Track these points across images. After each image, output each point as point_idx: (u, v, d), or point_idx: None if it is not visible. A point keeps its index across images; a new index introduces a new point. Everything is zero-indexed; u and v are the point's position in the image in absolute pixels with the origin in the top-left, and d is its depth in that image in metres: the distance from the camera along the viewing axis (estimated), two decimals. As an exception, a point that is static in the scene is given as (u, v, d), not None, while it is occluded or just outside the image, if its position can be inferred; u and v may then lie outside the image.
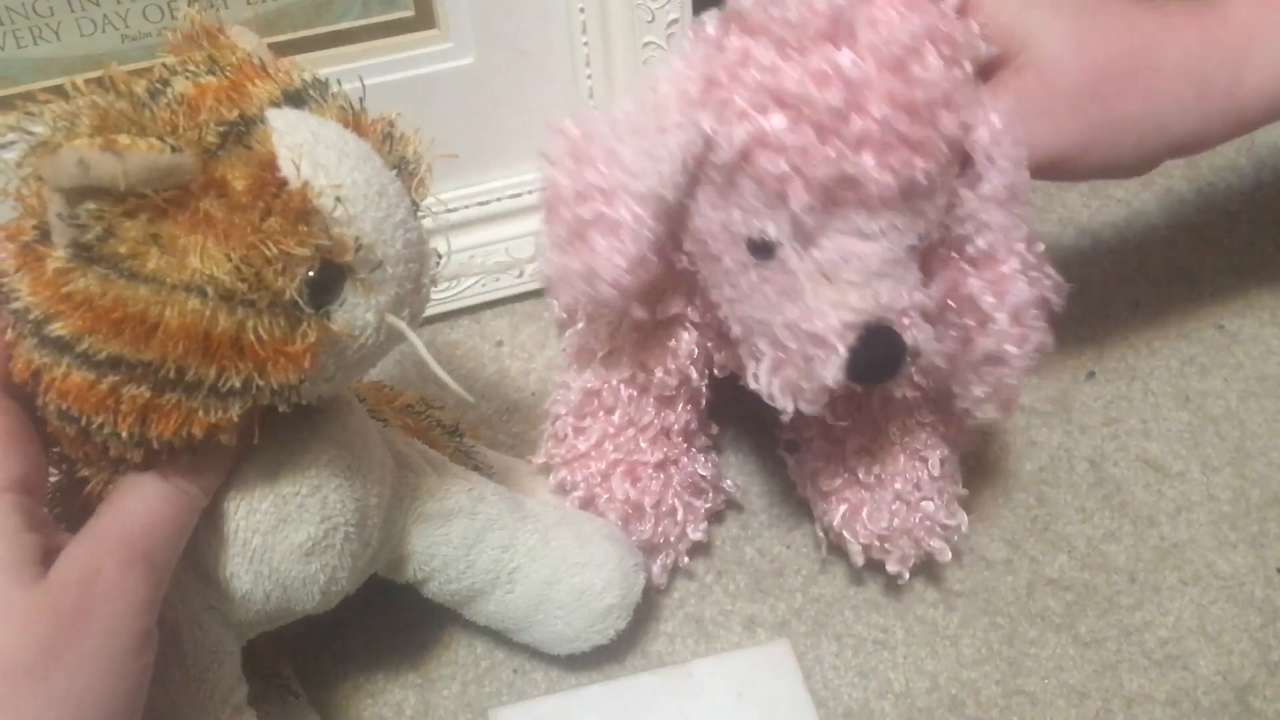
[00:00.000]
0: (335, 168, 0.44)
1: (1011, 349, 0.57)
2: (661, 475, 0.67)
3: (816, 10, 0.50)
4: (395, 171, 0.48)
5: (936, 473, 0.65)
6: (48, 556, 0.44)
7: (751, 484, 0.74)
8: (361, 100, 0.49)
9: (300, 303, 0.43)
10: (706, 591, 0.70)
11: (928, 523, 0.66)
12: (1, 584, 0.42)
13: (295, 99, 0.46)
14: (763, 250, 0.53)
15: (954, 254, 0.57)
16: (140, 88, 0.44)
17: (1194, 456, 0.76)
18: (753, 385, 0.57)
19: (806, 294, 0.53)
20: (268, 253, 0.42)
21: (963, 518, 0.67)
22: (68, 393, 0.43)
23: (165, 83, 0.44)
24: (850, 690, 0.66)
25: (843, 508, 0.66)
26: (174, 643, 0.50)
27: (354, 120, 0.48)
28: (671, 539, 0.68)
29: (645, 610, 0.67)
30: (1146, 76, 0.61)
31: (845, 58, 0.49)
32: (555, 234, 0.57)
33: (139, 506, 0.46)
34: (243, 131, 0.43)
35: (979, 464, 0.73)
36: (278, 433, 0.50)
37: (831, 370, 0.53)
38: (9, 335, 0.44)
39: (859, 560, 0.67)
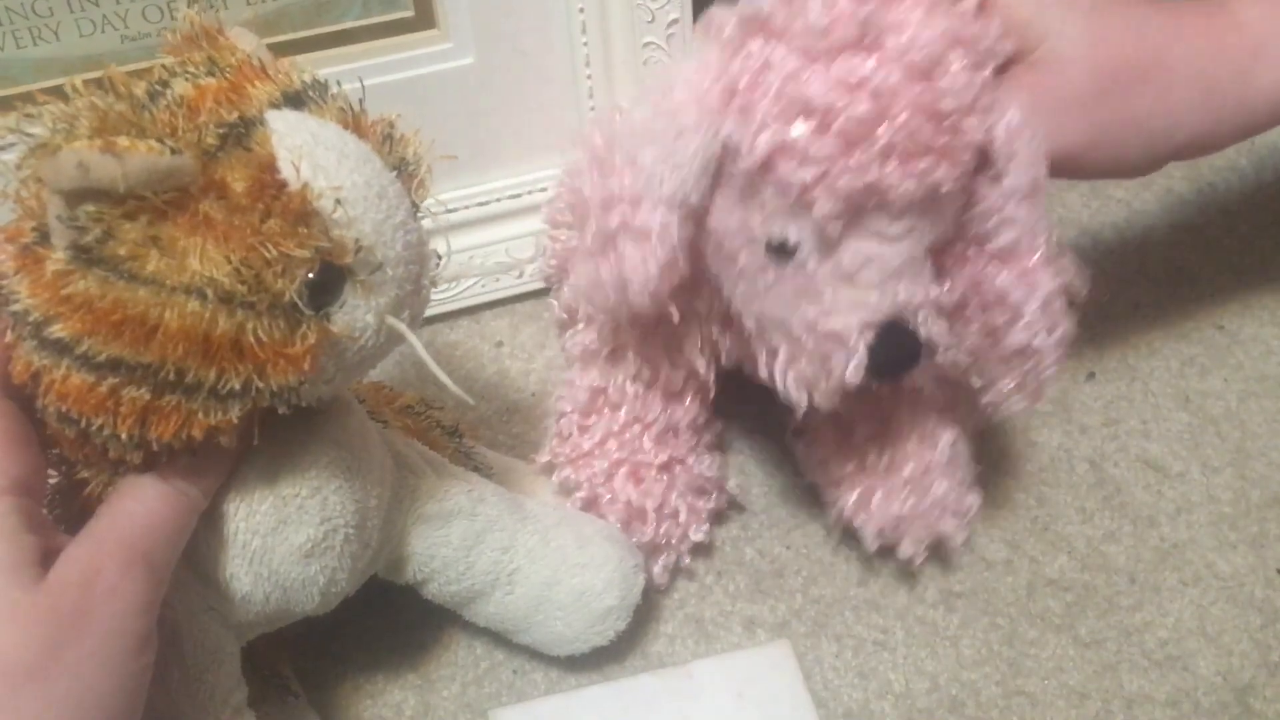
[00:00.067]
0: (335, 169, 0.44)
1: (1044, 340, 0.57)
2: (665, 476, 0.68)
3: (841, 16, 0.49)
4: (395, 173, 0.48)
5: (946, 456, 0.65)
6: (47, 558, 0.44)
7: (751, 484, 0.74)
8: (361, 101, 0.49)
9: (300, 305, 0.43)
10: (706, 592, 0.69)
11: (939, 507, 0.66)
12: (1, 585, 0.42)
13: (295, 100, 0.46)
14: (781, 252, 0.53)
15: (975, 250, 0.57)
16: (140, 89, 0.44)
17: (1194, 457, 0.76)
18: (767, 380, 0.58)
19: (825, 295, 0.53)
20: (267, 255, 0.42)
21: (975, 500, 0.67)
22: (67, 395, 0.43)
23: (165, 84, 0.44)
24: (850, 691, 0.65)
25: (854, 494, 0.66)
26: (174, 644, 0.50)
27: (354, 122, 0.48)
28: (674, 540, 0.68)
29: (645, 611, 0.67)
30: (1157, 78, 0.62)
31: (871, 66, 0.48)
32: (584, 244, 0.58)
33: (138, 508, 0.46)
34: (242, 133, 0.43)
35: (979, 464, 0.73)
36: (277, 434, 0.50)
37: (851, 369, 0.53)
38: (8, 337, 0.44)
39: (872, 546, 0.67)
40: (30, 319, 0.42)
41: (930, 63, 0.49)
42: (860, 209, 0.50)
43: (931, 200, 0.51)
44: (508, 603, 0.62)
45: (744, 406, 0.66)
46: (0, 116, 0.42)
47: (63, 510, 0.51)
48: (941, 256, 0.57)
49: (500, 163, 0.83)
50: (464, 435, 0.70)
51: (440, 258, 0.52)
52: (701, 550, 0.70)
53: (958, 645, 0.67)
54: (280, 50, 0.57)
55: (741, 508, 0.73)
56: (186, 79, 0.45)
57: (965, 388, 0.62)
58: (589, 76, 0.81)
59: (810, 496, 0.72)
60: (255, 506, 0.50)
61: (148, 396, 0.43)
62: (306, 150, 0.44)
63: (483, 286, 0.83)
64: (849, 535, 0.69)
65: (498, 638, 0.66)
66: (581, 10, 0.78)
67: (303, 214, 0.43)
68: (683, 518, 0.68)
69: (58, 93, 0.43)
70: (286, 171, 0.43)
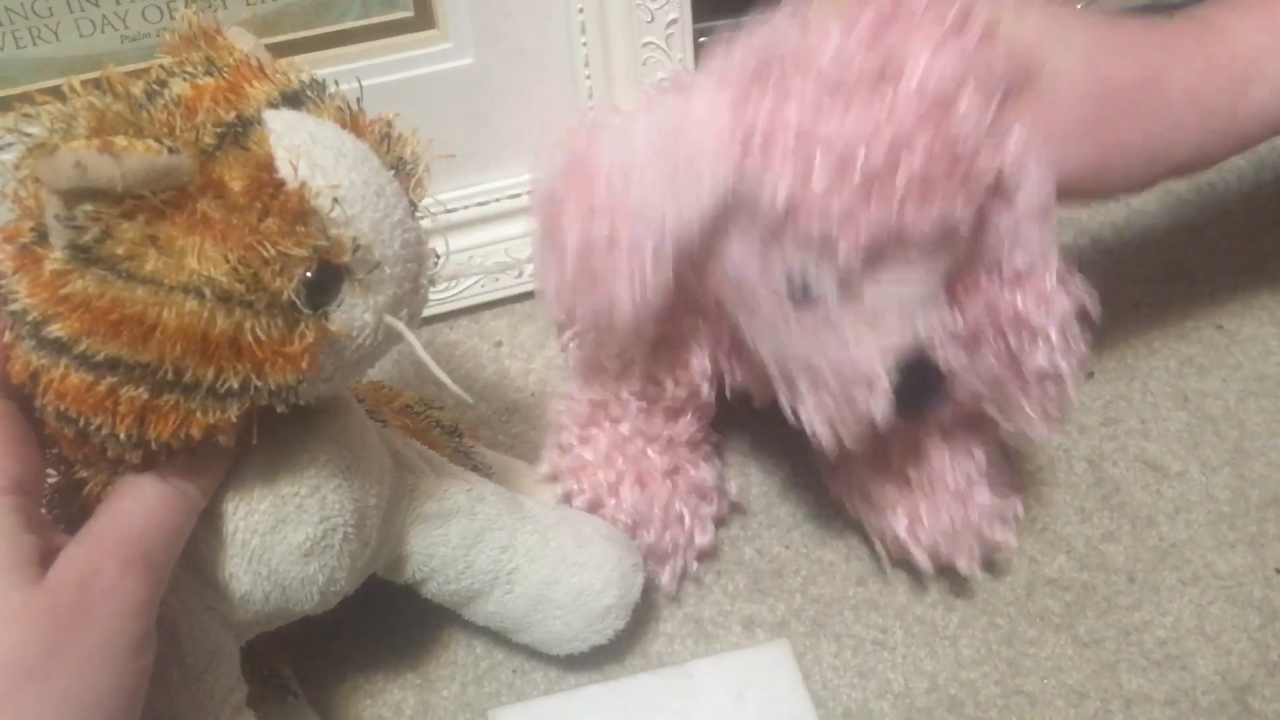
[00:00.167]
0: (333, 168, 0.44)
1: (1064, 363, 0.57)
2: (669, 483, 0.68)
3: (854, 60, 0.49)
4: (393, 172, 0.48)
5: (984, 464, 0.66)
6: (46, 558, 0.44)
7: (750, 485, 0.74)
8: (359, 100, 0.49)
9: (298, 303, 0.43)
10: (706, 592, 0.70)
11: (987, 514, 0.66)
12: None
13: (293, 100, 0.46)
14: (803, 296, 0.53)
15: (987, 276, 0.56)
16: (137, 89, 0.44)
17: (1193, 456, 0.76)
18: (793, 420, 0.58)
19: (848, 334, 0.53)
20: (265, 254, 0.42)
21: (1018, 502, 0.67)
22: (66, 394, 0.43)
23: (162, 84, 0.44)
24: (849, 690, 0.66)
25: (903, 516, 0.66)
26: (173, 643, 0.50)
27: (351, 121, 0.48)
28: (680, 544, 0.68)
29: (644, 611, 0.67)
30: (1154, 99, 0.62)
31: (887, 108, 0.48)
32: (558, 257, 0.56)
33: (137, 508, 0.46)
34: (240, 133, 0.43)
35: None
36: (276, 433, 0.50)
37: (879, 407, 0.53)
38: (7, 337, 0.44)
39: (928, 567, 0.67)
40: (29, 318, 0.42)
41: (945, 98, 0.49)
42: (881, 251, 0.50)
43: (949, 235, 0.51)
44: (507, 602, 0.62)
45: (742, 407, 0.66)
46: (-1, 117, 0.42)
47: (61, 510, 0.51)
48: (953, 285, 0.57)
49: (500, 163, 0.83)
50: (463, 435, 0.70)
51: (439, 257, 0.52)
52: (706, 552, 0.70)
53: (957, 645, 0.67)
54: (280, 50, 0.57)
55: (741, 507, 0.73)
56: (184, 79, 0.45)
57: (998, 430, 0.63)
58: (588, 77, 0.81)
59: (810, 496, 0.72)
60: (254, 505, 0.50)
61: (146, 396, 0.43)
62: (304, 149, 0.44)
63: (482, 286, 0.83)
64: (900, 560, 0.69)
65: (497, 637, 0.66)
66: (581, 10, 0.78)
67: (300, 213, 0.43)
68: (688, 523, 0.68)
69: (56, 93, 0.43)
70: (284, 170, 0.43)
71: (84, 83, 0.43)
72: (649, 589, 0.66)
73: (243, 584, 0.51)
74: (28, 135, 0.41)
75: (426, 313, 0.76)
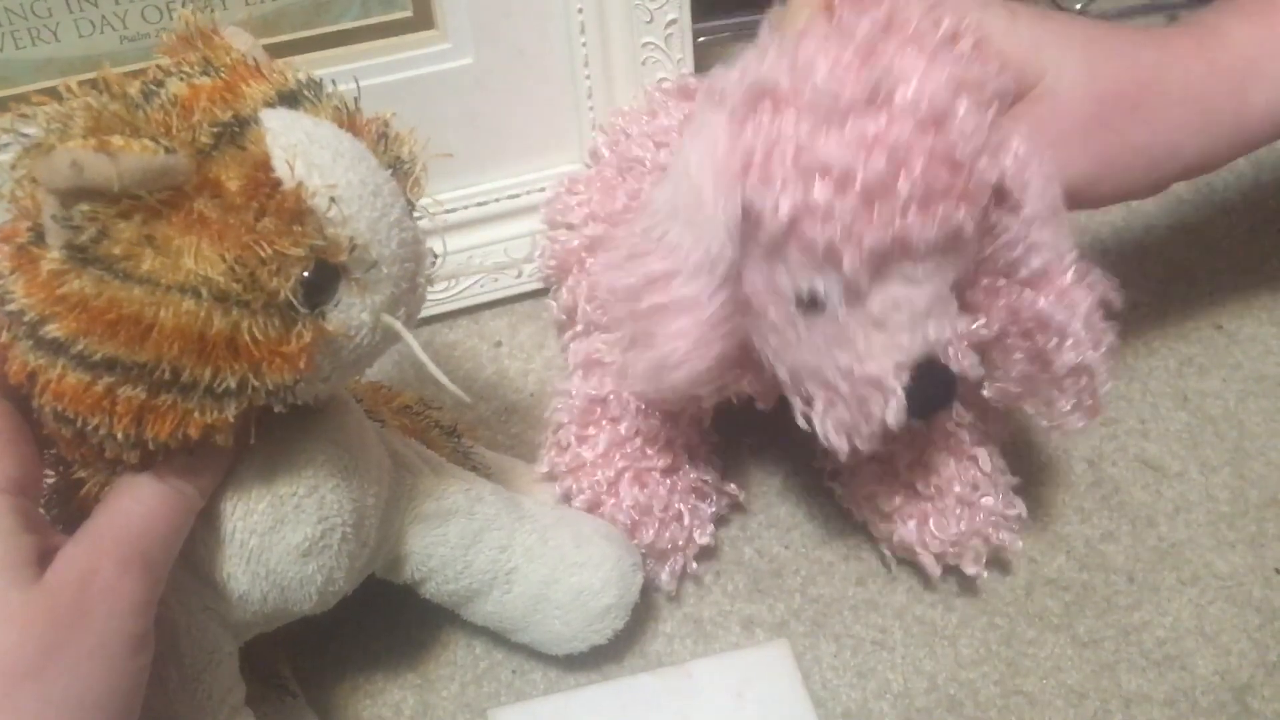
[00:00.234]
0: (329, 168, 0.44)
1: (1093, 355, 0.57)
2: (668, 481, 0.68)
3: (849, 77, 0.49)
4: (390, 171, 0.48)
5: (988, 468, 0.66)
6: (44, 558, 0.44)
7: (750, 485, 0.74)
8: (356, 100, 0.49)
9: (295, 303, 0.44)
10: (705, 592, 0.69)
11: (993, 518, 0.66)
12: (-2, 586, 0.42)
13: (290, 99, 0.46)
14: (811, 305, 0.53)
15: (1005, 281, 0.57)
16: (134, 89, 0.44)
17: (1192, 456, 0.76)
18: (805, 427, 0.58)
19: (858, 342, 0.53)
20: (262, 253, 0.42)
21: (1021, 505, 0.68)
22: (63, 394, 0.43)
23: (159, 84, 0.44)
24: (849, 690, 0.65)
25: (911, 523, 0.66)
26: (171, 644, 0.50)
27: (349, 120, 0.48)
28: (680, 543, 0.68)
29: (644, 611, 0.67)
30: (1154, 104, 0.63)
31: (882, 121, 0.49)
32: (619, 335, 0.59)
33: (135, 507, 0.46)
34: (236, 132, 0.43)
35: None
36: (274, 433, 0.50)
37: (892, 413, 0.53)
38: (4, 337, 0.44)
39: (935, 571, 0.67)
40: (26, 319, 0.42)
41: (940, 112, 0.49)
42: (886, 258, 0.51)
43: (953, 241, 0.52)
44: (506, 601, 0.62)
45: (744, 408, 0.66)
46: (-3, 117, 0.42)
47: (60, 510, 0.51)
48: (973, 292, 0.57)
49: (499, 163, 0.84)
50: (462, 435, 0.70)
51: (436, 256, 0.52)
52: (705, 551, 0.70)
53: (956, 645, 0.67)
54: (279, 51, 0.57)
55: (740, 507, 0.73)
56: (181, 78, 0.45)
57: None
58: (588, 77, 0.81)
59: (809, 496, 0.72)
60: (252, 505, 0.50)
61: (143, 396, 0.43)
62: (301, 149, 0.44)
63: (481, 286, 0.83)
64: (905, 562, 0.70)
65: (496, 637, 0.66)
66: (580, 11, 0.79)
67: (297, 212, 0.43)
68: (686, 521, 0.68)
69: (54, 94, 0.43)
70: (281, 170, 0.43)
71: (80, 83, 0.43)
72: (648, 589, 0.66)
73: (241, 584, 0.52)
74: (24, 135, 0.41)
75: (426, 313, 0.76)
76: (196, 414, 0.44)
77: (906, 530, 0.66)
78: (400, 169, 0.49)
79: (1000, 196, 0.54)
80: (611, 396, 0.67)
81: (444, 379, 0.50)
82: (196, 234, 0.41)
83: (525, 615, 0.62)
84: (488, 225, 0.84)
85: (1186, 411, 0.78)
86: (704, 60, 0.81)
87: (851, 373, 0.54)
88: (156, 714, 0.49)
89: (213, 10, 0.70)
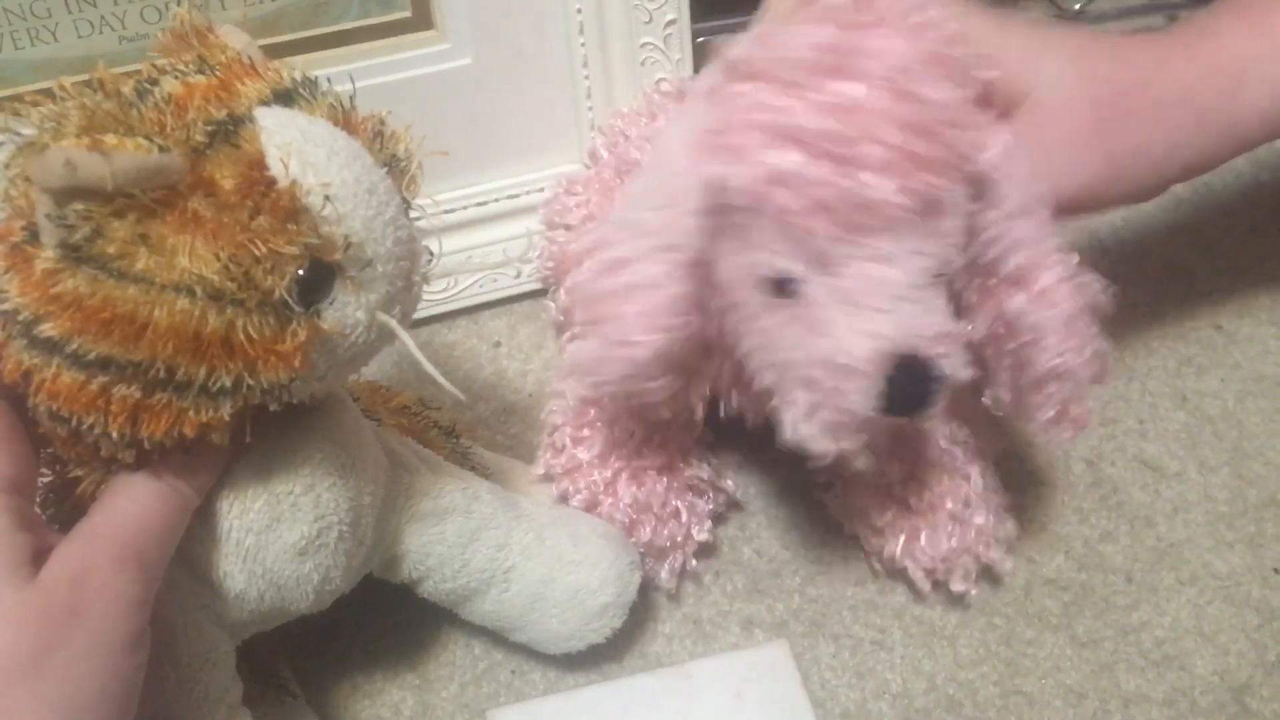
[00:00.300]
0: (324, 166, 0.44)
1: (1071, 359, 0.56)
2: (664, 479, 0.68)
3: (818, 47, 0.49)
4: (385, 169, 0.48)
5: (980, 486, 0.66)
6: (39, 556, 0.44)
7: (749, 484, 0.74)
8: (352, 98, 0.49)
9: (290, 302, 0.44)
10: (704, 592, 0.69)
11: (984, 537, 0.66)
12: (-7, 585, 0.42)
13: (284, 98, 0.46)
14: (786, 288, 0.52)
15: (994, 281, 0.56)
16: (128, 88, 0.44)
17: (1191, 457, 0.76)
18: (790, 435, 0.56)
19: (835, 326, 0.51)
20: (256, 252, 0.42)
21: (1012, 525, 0.68)
22: (58, 393, 0.43)
23: (153, 82, 0.45)
24: (848, 691, 0.65)
25: (901, 538, 0.66)
26: (168, 643, 0.50)
27: (344, 118, 0.48)
28: (679, 539, 0.68)
29: (643, 611, 0.67)
30: (1148, 105, 0.63)
31: (854, 88, 0.48)
32: (575, 329, 0.59)
33: (131, 506, 0.46)
34: (231, 130, 0.43)
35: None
36: (270, 432, 0.50)
37: (867, 399, 0.52)
38: (-1, 336, 0.44)
39: (925, 586, 0.67)
40: (20, 318, 0.42)
41: (911, 80, 0.49)
42: (859, 229, 0.50)
43: (926, 217, 0.51)
44: (503, 600, 0.62)
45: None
46: (-6, 117, 0.42)
47: (56, 509, 0.51)
48: (968, 293, 0.57)
49: (498, 163, 0.84)
50: (461, 435, 0.70)
51: (432, 255, 0.52)
52: (701, 550, 0.70)
53: (955, 645, 0.67)
54: (278, 51, 0.57)
55: (738, 505, 0.73)
56: (175, 77, 0.45)
57: (987, 418, 0.63)
58: (587, 77, 0.81)
59: (808, 496, 0.72)
60: (249, 504, 0.50)
61: (138, 394, 0.43)
62: (296, 147, 0.44)
63: (480, 286, 0.83)
64: (895, 575, 0.69)
65: (496, 637, 0.66)
66: (579, 11, 0.79)
67: (292, 211, 0.43)
68: (684, 518, 0.68)
69: (47, 93, 0.43)
70: (275, 168, 0.43)
71: (74, 82, 0.43)
72: (647, 589, 0.66)
73: (237, 583, 0.51)
74: (18, 134, 0.41)
75: (425, 313, 0.76)
76: (191, 413, 0.44)
77: (898, 545, 0.66)
78: (396, 167, 0.49)
79: (982, 190, 0.54)
80: (606, 398, 0.67)
81: (439, 377, 0.50)
82: (191, 233, 0.41)
83: (523, 614, 0.62)
84: (487, 225, 0.84)
85: (1185, 411, 0.78)
86: (703, 60, 0.81)
87: (829, 361, 0.52)
88: (154, 713, 0.49)
89: (212, 11, 0.71)
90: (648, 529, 0.66)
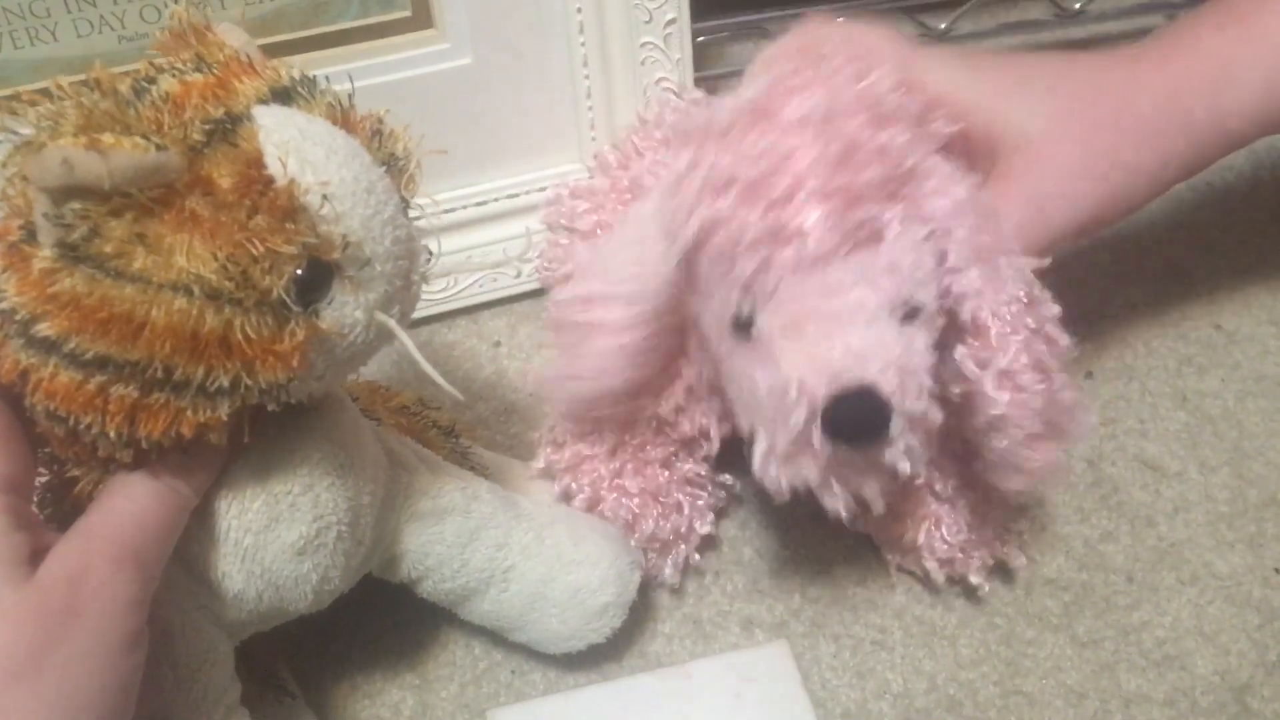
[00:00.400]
0: (322, 165, 0.44)
1: (1008, 413, 0.56)
2: (665, 472, 0.68)
3: (740, 106, 0.53)
4: (384, 168, 0.48)
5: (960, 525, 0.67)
6: (36, 556, 0.44)
7: (749, 484, 0.74)
8: (350, 96, 0.49)
9: (288, 301, 0.43)
10: (704, 592, 0.69)
11: (998, 531, 0.67)
12: (-10, 584, 0.42)
13: (283, 96, 0.46)
14: (744, 329, 0.54)
15: (954, 334, 0.57)
16: (125, 86, 0.44)
17: (1191, 456, 0.75)
18: (758, 472, 0.56)
19: (784, 356, 0.52)
20: (254, 251, 0.42)
21: (1024, 522, 0.69)
22: (55, 393, 0.43)
23: (151, 81, 0.44)
24: (848, 691, 0.65)
25: (920, 531, 0.66)
26: (166, 643, 0.50)
27: (342, 117, 0.48)
28: (682, 531, 0.68)
29: (643, 611, 0.67)
30: (1133, 125, 0.64)
31: (771, 133, 0.52)
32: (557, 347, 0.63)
33: (129, 506, 0.46)
34: (229, 129, 0.43)
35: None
36: (269, 431, 0.50)
37: (809, 426, 0.51)
38: (-4, 335, 0.44)
39: (940, 578, 0.67)
40: (17, 317, 0.42)
41: (826, 118, 0.51)
42: (797, 264, 0.51)
43: (868, 247, 0.52)
44: (503, 600, 0.62)
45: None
46: (-8, 117, 0.42)
47: (53, 509, 0.51)
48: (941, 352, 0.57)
49: (498, 163, 0.84)
50: (460, 435, 0.70)
51: (431, 254, 0.51)
52: (708, 544, 0.70)
53: (955, 645, 0.67)
54: (278, 51, 0.57)
55: (738, 500, 0.73)
56: (173, 75, 0.45)
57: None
58: (586, 77, 0.81)
59: (808, 496, 0.72)
60: (247, 504, 0.50)
61: (136, 394, 0.43)
62: (294, 145, 0.44)
63: (480, 286, 0.83)
64: (904, 571, 0.70)
65: (495, 637, 0.66)
66: (579, 11, 0.79)
67: (290, 210, 0.43)
68: (686, 510, 0.68)
69: (45, 92, 0.43)
70: (273, 167, 0.43)
71: (72, 81, 0.43)
72: (648, 588, 0.66)
73: (236, 583, 0.51)
74: (15, 133, 0.41)
75: (425, 312, 0.75)
76: (189, 412, 0.44)
77: (915, 538, 0.66)
78: (394, 166, 0.49)
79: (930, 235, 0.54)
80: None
81: (437, 377, 0.49)
82: (188, 232, 0.41)
83: (523, 614, 0.62)
84: (486, 225, 0.84)
85: (1185, 411, 0.78)
86: (703, 60, 0.81)
87: (774, 389, 0.52)
88: (152, 713, 0.49)
89: (210, 10, 0.71)
90: (650, 521, 0.66)
